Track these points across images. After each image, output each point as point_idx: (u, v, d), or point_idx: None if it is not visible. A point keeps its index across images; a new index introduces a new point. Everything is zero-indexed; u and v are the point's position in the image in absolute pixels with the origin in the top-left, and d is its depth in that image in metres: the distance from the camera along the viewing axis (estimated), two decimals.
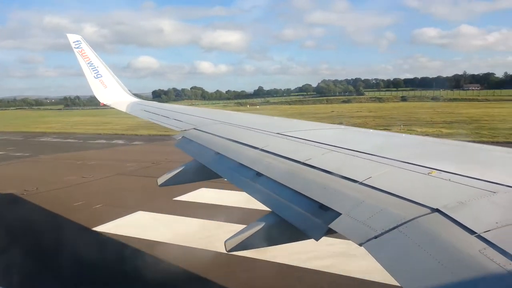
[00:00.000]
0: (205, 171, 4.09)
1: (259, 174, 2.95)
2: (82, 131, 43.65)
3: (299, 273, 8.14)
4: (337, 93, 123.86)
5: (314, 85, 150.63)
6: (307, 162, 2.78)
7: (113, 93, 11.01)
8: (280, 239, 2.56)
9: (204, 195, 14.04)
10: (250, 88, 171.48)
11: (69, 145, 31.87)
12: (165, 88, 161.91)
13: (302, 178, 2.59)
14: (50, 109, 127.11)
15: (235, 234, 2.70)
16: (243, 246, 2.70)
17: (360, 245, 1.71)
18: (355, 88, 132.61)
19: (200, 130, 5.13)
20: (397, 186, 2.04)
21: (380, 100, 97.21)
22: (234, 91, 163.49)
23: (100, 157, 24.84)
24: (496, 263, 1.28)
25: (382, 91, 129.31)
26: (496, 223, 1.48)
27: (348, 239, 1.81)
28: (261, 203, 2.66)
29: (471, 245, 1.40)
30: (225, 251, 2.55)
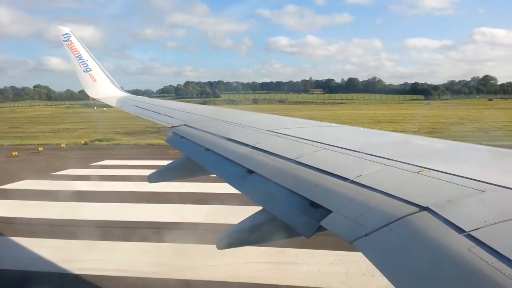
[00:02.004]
0: (195, 168, 4.07)
1: (250, 171, 2.94)
2: None
3: None
4: (194, 95, 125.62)
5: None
6: (298, 159, 2.78)
7: (103, 87, 10.87)
8: (270, 237, 2.56)
9: None
10: None
11: None
12: (1, 86, 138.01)
13: (293, 175, 2.58)
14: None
15: (225, 231, 2.70)
16: (233, 243, 2.69)
17: (351, 242, 1.71)
18: (213, 91, 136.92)
19: (191, 127, 5.10)
20: (388, 184, 2.05)
21: (233, 102, 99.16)
22: None
23: None
24: (484, 261, 1.30)
25: (240, 93, 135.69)
26: (485, 221, 1.50)
27: (339, 236, 1.82)
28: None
29: (460, 243, 1.42)
30: None
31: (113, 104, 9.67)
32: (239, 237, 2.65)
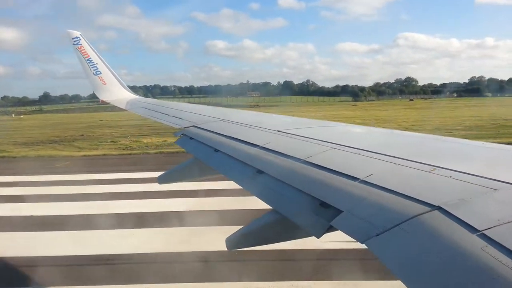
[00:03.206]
0: (205, 169, 4.09)
1: (259, 172, 2.94)
2: None
3: None
4: None
5: None
6: (308, 159, 2.78)
7: (112, 90, 10.99)
8: (281, 237, 2.56)
9: None
10: (35, 94, 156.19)
11: None
12: None
13: (303, 175, 2.58)
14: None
15: (235, 232, 2.71)
16: (243, 244, 2.70)
17: (362, 243, 1.71)
18: (146, 96, 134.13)
19: (200, 128, 5.13)
20: (399, 184, 2.04)
21: None
22: (13, 97, 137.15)
23: None
24: (498, 260, 1.28)
25: (177, 97, 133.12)
26: (498, 220, 1.48)
27: (350, 237, 1.81)
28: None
29: (472, 242, 1.40)
30: None
31: (123, 107, 9.78)
32: (249, 238, 2.66)
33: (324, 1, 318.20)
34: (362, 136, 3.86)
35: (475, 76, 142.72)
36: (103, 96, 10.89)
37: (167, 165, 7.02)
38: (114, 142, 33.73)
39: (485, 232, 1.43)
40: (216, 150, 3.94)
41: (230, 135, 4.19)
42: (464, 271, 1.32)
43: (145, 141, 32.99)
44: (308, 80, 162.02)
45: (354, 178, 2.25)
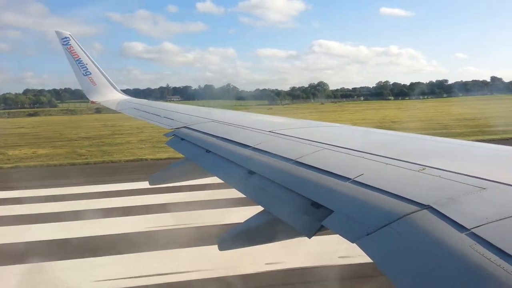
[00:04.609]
0: (196, 170, 4.07)
1: (251, 172, 2.94)
2: None
3: None
4: (26, 105, 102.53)
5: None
6: (299, 160, 2.78)
7: (102, 91, 10.89)
8: (272, 237, 2.56)
9: None
10: None
11: None
12: None
13: (294, 176, 2.59)
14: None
15: (226, 233, 2.70)
16: (235, 244, 2.69)
17: (353, 242, 1.72)
18: (50, 100, 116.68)
19: (191, 129, 5.10)
20: (389, 183, 2.05)
21: (72, 112, 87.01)
22: None
23: None
24: (487, 258, 1.30)
25: (86, 101, 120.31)
26: (486, 218, 1.50)
27: (341, 237, 1.82)
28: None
29: (462, 241, 1.42)
30: None
31: (113, 107, 9.70)
32: (241, 238, 2.65)
33: (242, 7, 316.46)
34: (353, 136, 3.88)
35: (381, 81, 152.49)
36: (93, 97, 10.77)
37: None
38: None
39: (474, 230, 1.45)
40: (208, 151, 3.92)
41: (221, 136, 4.18)
42: (454, 269, 1.33)
43: (10, 153, 28.34)
44: (228, 84, 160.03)
45: (345, 178, 2.26)
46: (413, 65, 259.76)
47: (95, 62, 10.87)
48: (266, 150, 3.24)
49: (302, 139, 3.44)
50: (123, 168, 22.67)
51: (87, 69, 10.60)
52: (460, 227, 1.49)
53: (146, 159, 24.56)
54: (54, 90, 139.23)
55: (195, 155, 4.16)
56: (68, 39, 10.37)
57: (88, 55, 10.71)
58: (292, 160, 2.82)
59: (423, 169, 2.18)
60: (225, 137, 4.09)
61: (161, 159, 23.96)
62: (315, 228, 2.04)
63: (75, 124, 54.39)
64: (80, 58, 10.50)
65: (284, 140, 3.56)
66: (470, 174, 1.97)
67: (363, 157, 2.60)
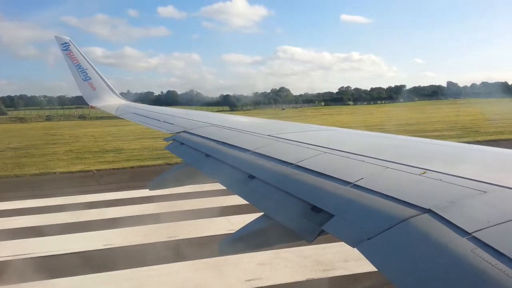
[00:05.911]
0: (196, 174, 4.06)
1: (251, 177, 2.93)
2: None
3: None
4: None
5: None
6: (299, 164, 2.77)
7: (102, 96, 10.90)
8: (272, 242, 2.54)
9: None
10: None
11: None
12: None
13: (294, 180, 2.58)
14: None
15: (226, 238, 2.68)
16: (235, 249, 2.68)
17: (354, 247, 1.70)
18: (15, 107, 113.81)
19: (191, 133, 5.10)
20: (389, 187, 2.04)
21: (22, 120, 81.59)
22: None
23: None
24: (488, 262, 1.29)
25: (44, 109, 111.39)
26: (487, 222, 1.49)
27: (342, 241, 1.80)
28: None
29: (463, 244, 1.41)
30: None
31: (113, 112, 9.70)
32: (241, 243, 2.64)
33: (205, 11, 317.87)
34: (353, 140, 3.88)
35: (343, 86, 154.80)
36: (92, 102, 10.78)
37: None
38: None
39: (475, 234, 1.44)
40: (208, 155, 3.92)
41: (221, 140, 4.18)
42: (455, 273, 1.32)
43: None
44: (191, 90, 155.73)
45: (345, 182, 2.25)
46: (375, 71, 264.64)
47: (95, 67, 10.89)
48: (266, 154, 3.23)
49: (301, 143, 3.43)
50: (23, 183, 19.78)
51: (87, 74, 10.62)
52: (461, 231, 1.48)
53: (54, 173, 22.28)
54: (9, 96, 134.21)
55: (194, 159, 4.15)
56: (68, 44, 10.40)
57: (88, 60, 10.73)
58: (292, 164, 2.81)
59: (424, 172, 2.17)
60: (224, 141, 4.09)
61: (71, 172, 22.12)
62: (315, 233, 2.03)
63: (17, 133, 50.64)
64: (79, 63, 10.52)
65: (283, 144, 3.55)
66: (471, 178, 1.96)
67: (363, 161, 2.60)
